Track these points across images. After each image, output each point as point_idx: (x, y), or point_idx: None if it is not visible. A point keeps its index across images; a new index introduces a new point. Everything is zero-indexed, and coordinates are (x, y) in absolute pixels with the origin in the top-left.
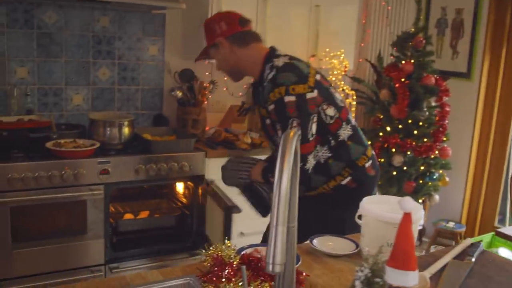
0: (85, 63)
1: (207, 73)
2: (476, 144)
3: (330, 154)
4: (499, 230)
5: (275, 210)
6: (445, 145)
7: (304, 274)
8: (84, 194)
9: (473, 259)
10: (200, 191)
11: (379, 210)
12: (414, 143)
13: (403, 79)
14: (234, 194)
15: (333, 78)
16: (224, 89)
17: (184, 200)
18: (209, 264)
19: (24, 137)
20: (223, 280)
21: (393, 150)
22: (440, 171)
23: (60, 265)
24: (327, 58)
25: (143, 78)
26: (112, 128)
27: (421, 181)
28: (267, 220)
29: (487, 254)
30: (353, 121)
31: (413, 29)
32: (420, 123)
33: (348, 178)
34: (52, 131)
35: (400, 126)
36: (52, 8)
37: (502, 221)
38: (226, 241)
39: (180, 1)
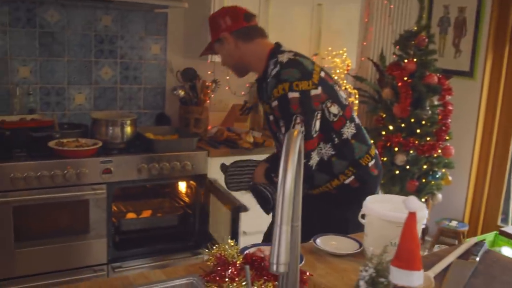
0: (88, 62)
1: (209, 72)
2: (479, 143)
3: (333, 152)
4: (502, 229)
5: (279, 209)
6: (448, 144)
7: (307, 273)
8: (86, 194)
9: (478, 259)
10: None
11: (382, 209)
12: (416, 142)
13: (405, 78)
14: (238, 193)
15: (336, 77)
16: (227, 88)
17: (186, 199)
18: (212, 264)
19: (26, 137)
20: (226, 279)
21: (396, 149)
22: (443, 170)
23: (63, 264)
24: (330, 57)
25: (145, 77)
26: (115, 127)
27: (424, 180)
28: (269, 219)
29: (491, 254)
30: (357, 119)
31: (415, 28)
32: (423, 122)
33: (351, 178)
34: (55, 130)
35: (402, 125)
36: (54, 7)
37: (505, 220)
38: (229, 240)
39: (183, 0)
